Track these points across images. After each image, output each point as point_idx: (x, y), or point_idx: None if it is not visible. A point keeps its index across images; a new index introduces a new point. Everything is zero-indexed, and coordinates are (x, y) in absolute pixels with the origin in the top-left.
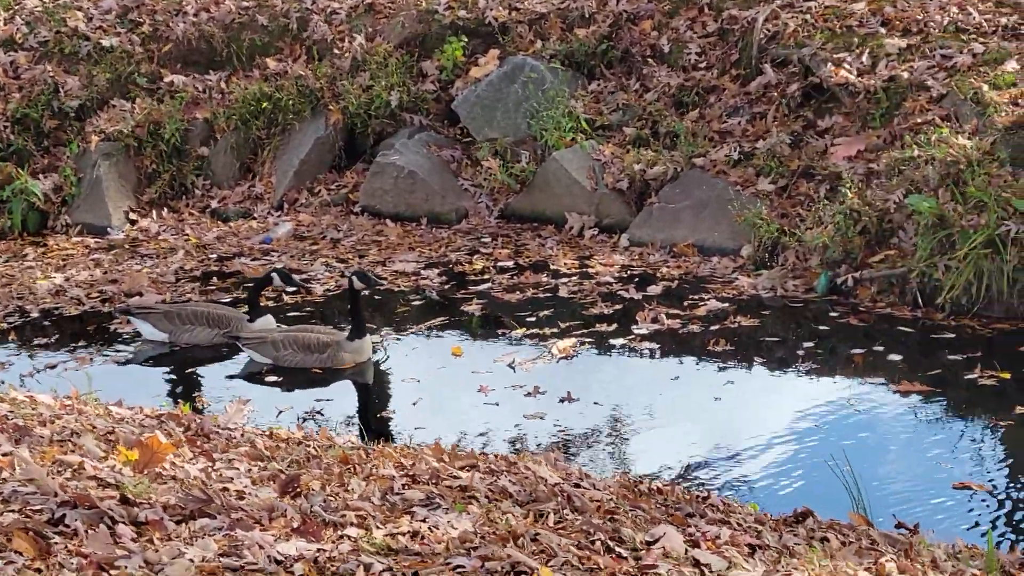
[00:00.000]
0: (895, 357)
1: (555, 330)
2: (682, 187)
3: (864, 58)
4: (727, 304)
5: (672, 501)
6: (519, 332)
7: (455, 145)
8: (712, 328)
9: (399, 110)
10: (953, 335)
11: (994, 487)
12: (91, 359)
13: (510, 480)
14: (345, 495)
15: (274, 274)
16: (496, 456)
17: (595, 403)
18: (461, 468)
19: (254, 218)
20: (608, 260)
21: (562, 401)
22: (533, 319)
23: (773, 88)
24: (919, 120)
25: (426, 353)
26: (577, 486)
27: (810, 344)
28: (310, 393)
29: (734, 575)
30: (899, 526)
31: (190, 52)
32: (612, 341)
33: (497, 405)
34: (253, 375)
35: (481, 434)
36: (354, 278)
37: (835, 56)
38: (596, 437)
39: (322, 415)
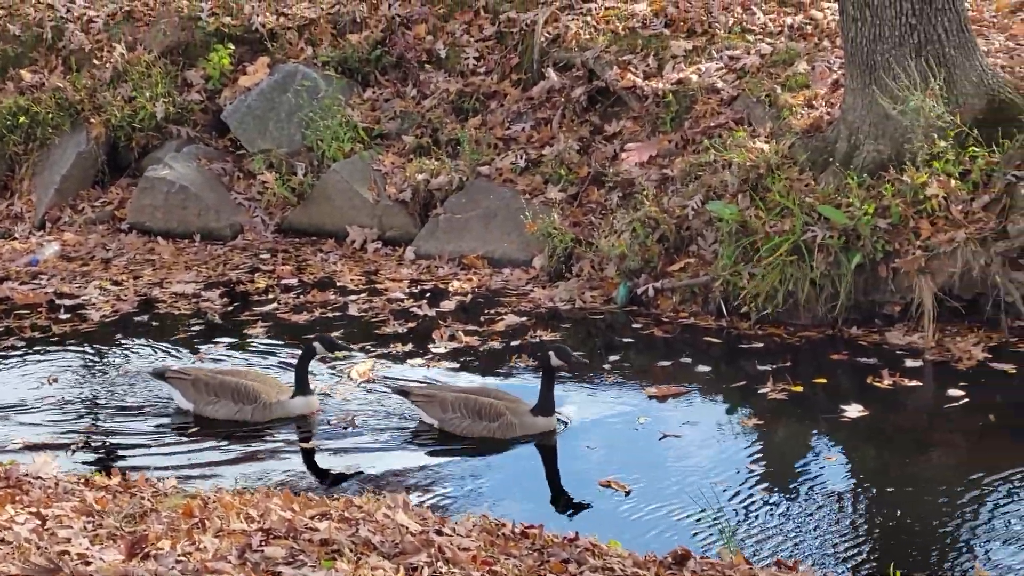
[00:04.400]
0: (703, 368)
1: (349, 353)
2: (468, 197)
3: (650, 60)
4: (525, 318)
5: (542, 545)
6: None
7: (226, 158)
8: (512, 344)
9: (165, 122)
10: (761, 344)
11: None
12: None
13: (370, 529)
14: (199, 555)
15: (316, 344)
16: (345, 501)
17: (390, 430)
18: (313, 517)
19: (15, 238)
20: (396, 275)
21: (346, 427)
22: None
23: (557, 93)
24: (712, 124)
25: None
26: (440, 533)
27: (615, 357)
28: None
29: None
30: (779, 564)
31: None
32: (410, 361)
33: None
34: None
35: (283, 472)
36: (551, 355)
37: (620, 59)
38: (395, 472)
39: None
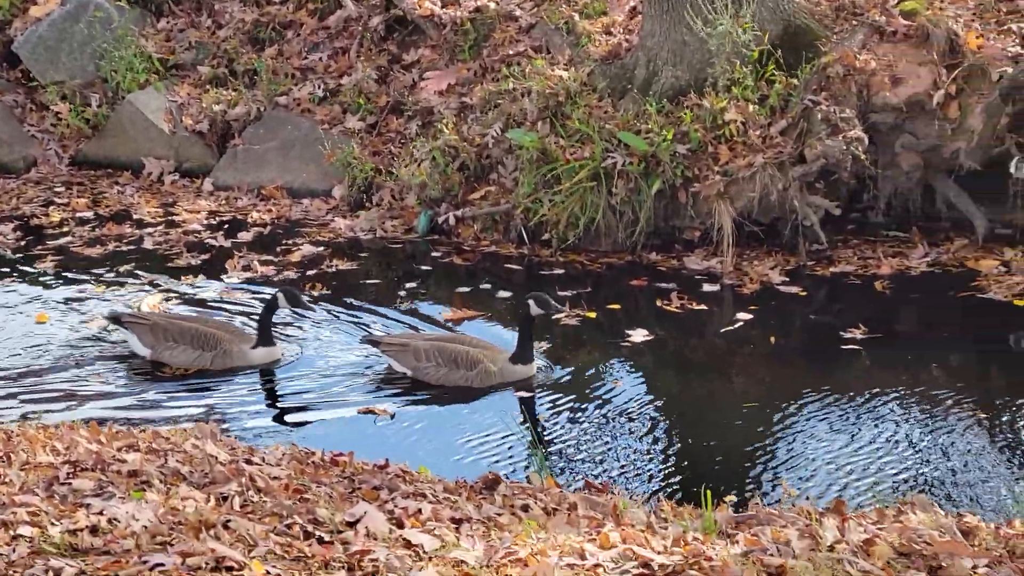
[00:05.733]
0: (503, 294)
1: (139, 286)
2: (266, 127)
3: None
4: (323, 248)
5: (352, 473)
6: (101, 290)
7: (18, 89)
8: (308, 273)
9: None
10: (562, 271)
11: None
12: None
13: (179, 460)
14: (5, 488)
15: (279, 295)
16: (152, 432)
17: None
18: (121, 449)
19: None
20: (194, 206)
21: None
22: (113, 275)
23: (354, 22)
24: (510, 52)
25: (4, 320)
26: (250, 462)
27: (412, 284)
28: None
29: (454, 555)
30: (589, 486)
31: None
32: (202, 294)
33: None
34: None
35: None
36: (531, 303)
37: None
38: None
39: None
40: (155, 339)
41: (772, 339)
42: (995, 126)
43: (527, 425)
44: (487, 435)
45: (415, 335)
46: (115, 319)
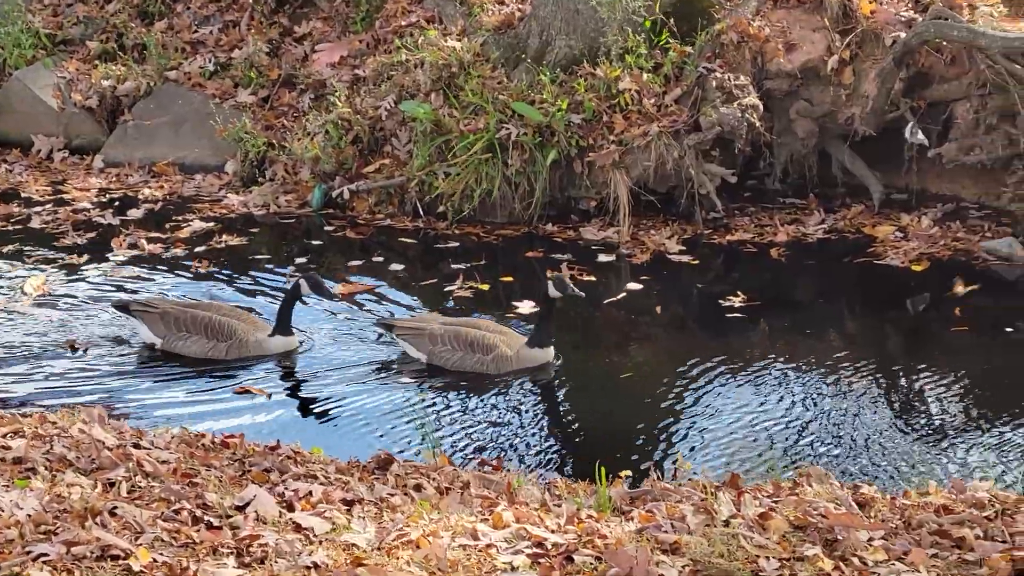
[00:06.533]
0: (396, 267)
1: (23, 267)
2: (157, 102)
3: None
4: (213, 224)
5: (243, 455)
6: None
7: None
8: (197, 249)
9: None
10: (457, 244)
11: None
12: None
13: (65, 445)
14: None
15: (302, 282)
16: (39, 416)
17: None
18: (6, 435)
19: None
20: (84, 184)
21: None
22: None
23: None
24: (403, 23)
25: None
26: (138, 446)
27: (302, 259)
28: None
29: (345, 538)
30: (483, 463)
31: None
32: (86, 273)
33: None
34: None
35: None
36: (550, 284)
37: None
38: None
39: None
40: (167, 328)
41: (658, 309)
42: (889, 91)
43: (418, 403)
44: (381, 414)
45: (429, 318)
46: (123, 307)
